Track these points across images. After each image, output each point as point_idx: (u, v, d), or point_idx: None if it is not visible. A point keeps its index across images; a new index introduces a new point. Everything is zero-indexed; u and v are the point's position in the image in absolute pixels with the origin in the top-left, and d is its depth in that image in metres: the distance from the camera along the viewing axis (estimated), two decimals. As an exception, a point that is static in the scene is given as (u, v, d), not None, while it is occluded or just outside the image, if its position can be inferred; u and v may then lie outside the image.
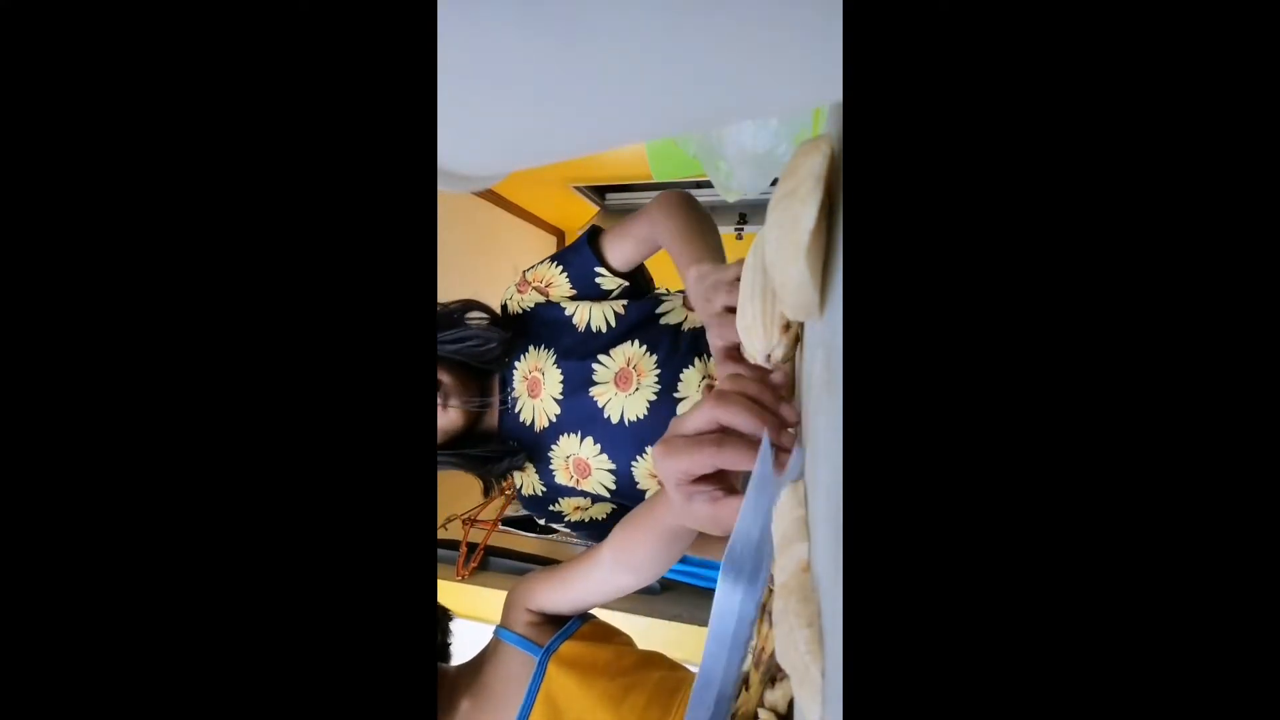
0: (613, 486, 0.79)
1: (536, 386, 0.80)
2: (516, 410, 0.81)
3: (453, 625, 0.70)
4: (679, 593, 1.20)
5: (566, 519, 0.84)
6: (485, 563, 1.29)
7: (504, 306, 0.87)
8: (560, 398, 0.78)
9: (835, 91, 0.16)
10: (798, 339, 0.39)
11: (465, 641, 0.69)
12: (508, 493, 1.50)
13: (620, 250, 0.80)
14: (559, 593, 0.59)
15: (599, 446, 0.77)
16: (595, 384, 0.77)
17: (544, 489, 0.83)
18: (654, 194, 1.00)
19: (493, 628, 0.63)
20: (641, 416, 0.75)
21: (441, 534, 1.35)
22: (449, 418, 0.77)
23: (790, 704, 0.36)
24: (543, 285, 0.83)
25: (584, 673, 0.54)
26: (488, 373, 0.82)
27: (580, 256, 0.81)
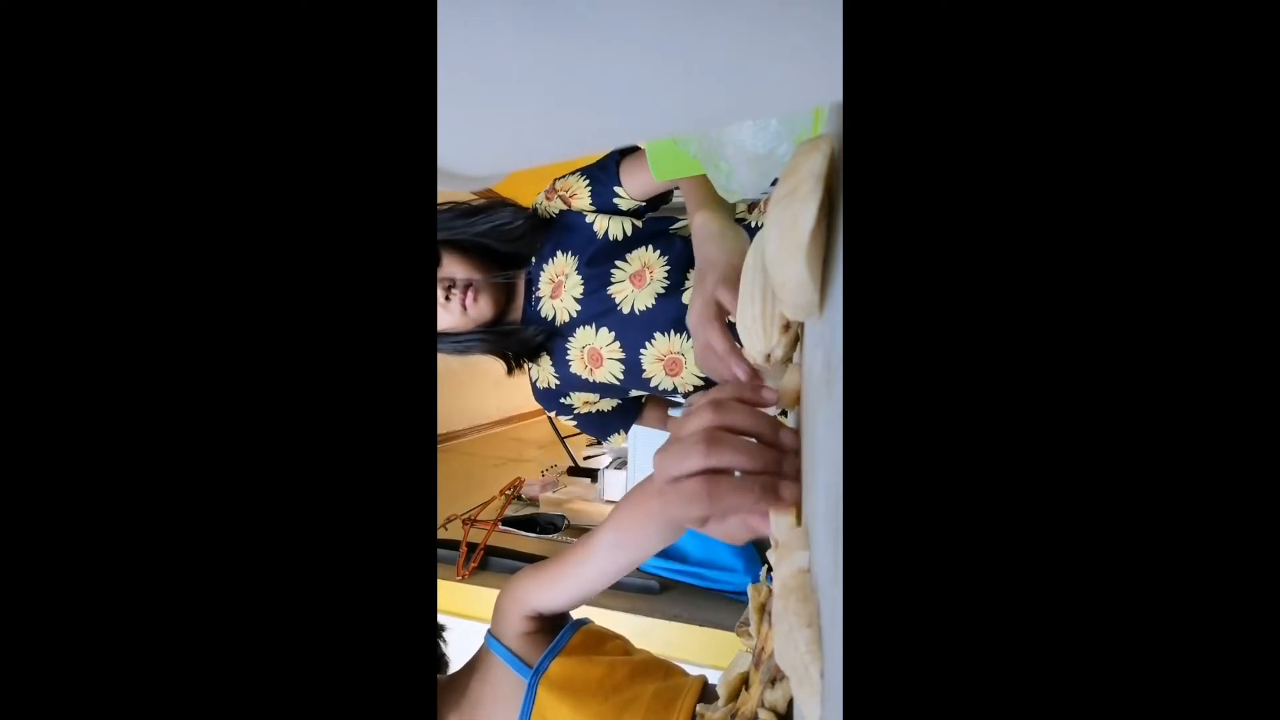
0: (621, 376, 0.90)
1: (559, 289, 0.90)
2: (539, 308, 0.92)
3: (446, 634, 0.69)
4: (679, 593, 1.20)
5: (575, 411, 0.98)
6: (485, 563, 1.29)
7: (534, 209, 0.94)
8: (580, 297, 0.89)
9: (835, 91, 0.16)
10: (798, 339, 0.39)
11: (466, 642, 0.69)
12: (507, 494, 1.50)
13: (640, 180, 0.85)
14: (557, 584, 0.58)
15: (613, 334, 0.88)
16: (613, 283, 0.88)
17: (557, 381, 0.95)
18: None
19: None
20: (649, 306, 0.86)
21: (441, 534, 1.35)
22: (479, 309, 0.86)
23: (790, 704, 0.36)
24: (567, 195, 0.91)
25: (576, 696, 0.53)
26: (515, 258, 0.91)
27: (605, 174, 0.87)
